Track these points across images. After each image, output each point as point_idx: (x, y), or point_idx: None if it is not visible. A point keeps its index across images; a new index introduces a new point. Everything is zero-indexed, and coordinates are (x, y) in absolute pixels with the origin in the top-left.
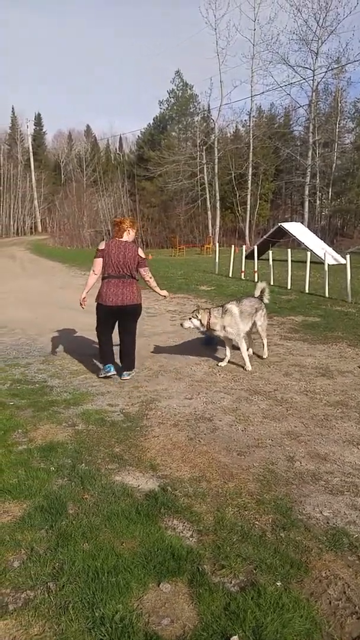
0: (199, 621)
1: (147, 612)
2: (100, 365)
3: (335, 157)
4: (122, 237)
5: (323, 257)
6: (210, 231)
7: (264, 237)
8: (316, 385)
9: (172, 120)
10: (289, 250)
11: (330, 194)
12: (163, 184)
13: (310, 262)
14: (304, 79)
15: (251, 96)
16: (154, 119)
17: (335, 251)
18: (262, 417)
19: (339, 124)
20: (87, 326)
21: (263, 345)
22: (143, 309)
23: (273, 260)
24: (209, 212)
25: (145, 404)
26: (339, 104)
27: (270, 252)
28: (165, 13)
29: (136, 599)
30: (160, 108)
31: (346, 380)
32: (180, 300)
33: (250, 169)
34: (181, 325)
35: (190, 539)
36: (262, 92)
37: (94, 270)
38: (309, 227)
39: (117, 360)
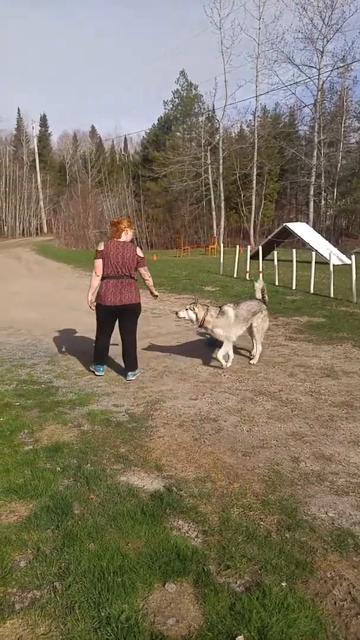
0: (205, 621)
1: (152, 612)
2: (92, 367)
3: (340, 157)
4: (120, 238)
5: (328, 258)
6: (214, 231)
7: (269, 237)
8: (321, 385)
9: (177, 121)
10: (294, 250)
11: (335, 193)
12: (168, 184)
13: (315, 262)
14: (309, 77)
15: (256, 96)
16: (158, 120)
17: (341, 251)
18: (267, 417)
19: (344, 123)
20: (92, 327)
21: (255, 349)
22: (149, 309)
23: (278, 260)
24: (214, 213)
25: (151, 405)
26: (345, 103)
27: (275, 252)
28: (170, 13)
29: (142, 599)
30: (165, 108)
31: (351, 380)
32: (185, 301)
33: (255, 169)
34: (175, 313)
35: (196, 539)
36: (267, 92)
37: (95, 272)
38: (314, 227)
39: (119, 361)
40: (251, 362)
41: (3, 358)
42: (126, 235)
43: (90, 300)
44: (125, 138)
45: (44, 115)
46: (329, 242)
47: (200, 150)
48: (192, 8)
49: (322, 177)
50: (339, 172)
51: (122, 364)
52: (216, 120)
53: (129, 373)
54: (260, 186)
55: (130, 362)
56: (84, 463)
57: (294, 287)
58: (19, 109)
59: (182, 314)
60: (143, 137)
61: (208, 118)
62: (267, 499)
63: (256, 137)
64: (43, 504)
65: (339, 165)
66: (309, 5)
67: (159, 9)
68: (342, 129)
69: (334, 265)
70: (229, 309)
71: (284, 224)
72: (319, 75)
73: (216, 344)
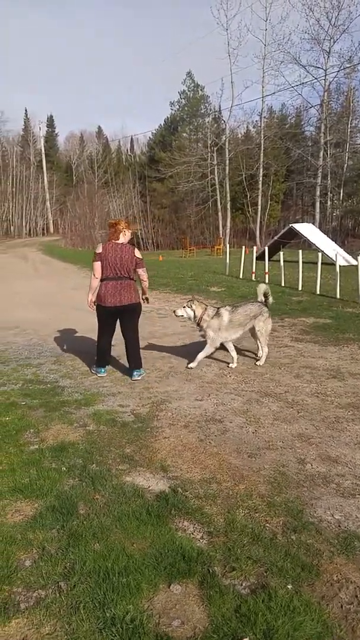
0: (210, 623)
1: (157, 613)
2: (94, 369)
3: (346, 158)
4: (118, 239)
5: (334, 258)
6: (220, 232)
7: (275, 238)
8: (327, 387)
9: (183, 121)
10: (300, 251)
11: (341, 194)
12: (174, 185)
13: (322, 263)
14: (316, 78)
15: (262, 97)
16: (165, 120)
17: (347, 252)
18: (273, 419)
19: (350, 123)
20: (97, 327)
21: (262, 351)
22: (154, 310)
23: (284, 261)
24: (220, 213)
25: (156, 405)
26: (351, 104)
27: (281, 253)
28: (177, 14)
29: (147, 600)
30: (172, 109)
31: (358, 382)
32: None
33: (261, 170)
34: (174, 312)
35: (201, 540)
36: (274, 93)
37: (94, 275)
38: (320, 228)
39: (124, 362)
40: (257, 363)
41: (9, 357)
42: (124, 237)
43: (90, 300)
44: (131, 139)
45: (51, 116)
46: (335, 243)
47: (206, 151)
48: (192, 8)
49: (329, 178)
50: (345, 172)
51: (127, 364)
52: (222, 121)
53: (135, 372)
54: (267, 187)
55: (135, 360)
56: (89, 463)
57: (300, 288)
58: (26, 110)
59: (180, 312)
60: (149, 137)
61: (214, 119)
62: (273, 500)
63: (262, 137)
64: (48, 503)
65: (346, 166)
66: (316, 6)
67: (166, 9)
68: (349, 130)
69: (340, 266)
70: (225, 312)
71: (290, 225)
72: (325, 76)
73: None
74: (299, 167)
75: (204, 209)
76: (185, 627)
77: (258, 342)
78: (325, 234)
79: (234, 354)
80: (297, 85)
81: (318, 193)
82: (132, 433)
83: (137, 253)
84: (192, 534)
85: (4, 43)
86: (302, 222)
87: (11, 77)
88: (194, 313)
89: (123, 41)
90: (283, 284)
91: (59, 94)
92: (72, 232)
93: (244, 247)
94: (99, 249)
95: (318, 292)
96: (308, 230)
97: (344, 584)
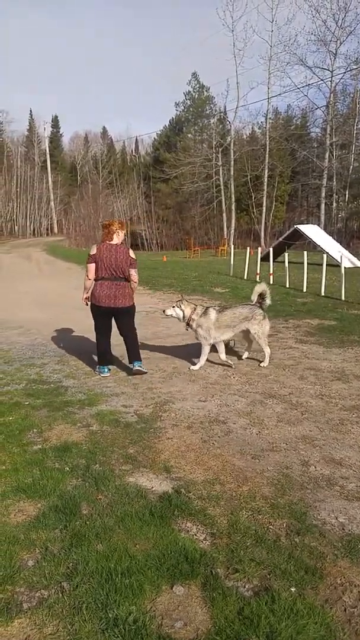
0: (213, 625)
1: (160, 614)
2: (97, 370)
3: (352, 159)
4: (112, 240)
5: (339, 260)
6: (225, 233)
7: (280, 239)
8: (332, 389)
9: (188, 122)
10: (305, 252)
11: (347, 196)
12: (178, 185)
13: (327, 264)
14: (322, 80)
15: (268, 98)
16: (170, 121)
17: (352, 254)
18: (277, 420)
19: (357, 125)
20: None
21: (246, 353)
22: (158, 310)
23: (289, 262)
24: (224, 214)
25: (159, 406)
26: (357, 105)
27: (286, 254)
28: (182, 14)
29: (149, 601)
30: (177, 110)
31: None
32: (195, 303)
33: (266, 171)
34: (163, 312)
35: (204, 541)
36: (279, 94)
37: (87, 276)
38: (325, 229)
39: (127, 362)
40: (261, 364)
41: (13, 357)
42: (118, 238)
43: (84, 297)
44: (136, 139)
45: (56, 117)
46: (340, 244)
47: (211, 152)
48: (204, 9)
49: (334, 180)
50: (351, 174)
51: (129, 365)
52: (228, 122)
53: (135, 363)
54: (272, 188)
55: (134, 354)
56: (92, 463)
57: (304, 290)
58: (30, 111)
59: (169, 311)
60: (154, 138)
61: (219, 120)
62: (277, 502)
63: (268, 139)
64: (51, 503)
65: (351, 167)
66: (322, 7)
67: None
68: (355, 131)
69: (345, 267)
70: (212, 312)
71: (295, 226)
72: (331, 77)
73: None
74: (305, 168)
75: (208, 209)
76: (188, 629)
77: (251, 345)
78: (330, 235)
79: (223, 356)
80: (303, 87)
81: (323, 194)
82: (136, 433)
83: (132, 253)
84: (195, 535)
85: (6, 44)
86: (307, 223)
87: (14, 78)
88: (183, 313)
89: (126, 41)
90: (288, 286)
91: (64, 94)
92: (76, 233)
93: (248, 248)
94: (93, 251)
95: (323, 294)
96: (313, 231)
97: (348, 587)
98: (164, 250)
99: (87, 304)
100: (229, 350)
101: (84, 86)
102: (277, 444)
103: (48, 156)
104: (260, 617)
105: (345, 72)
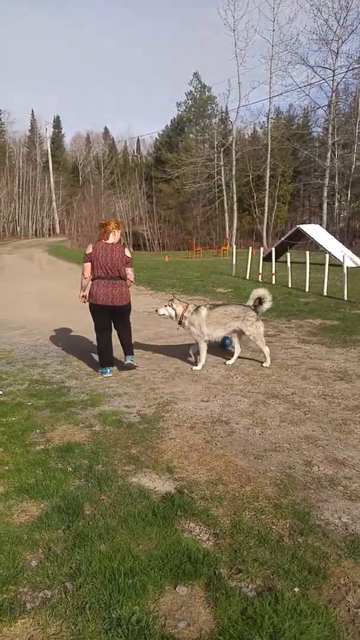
0: (216, 625)
1: (163, 614)
2: (99, 370)
3: (354, 159)
4: (108, 239)
5: (342, 260)
6: (227, 233)
7: (282, 239)
8: (334, 389)
9: (190, 122)
10: (307, 252)
11: (349, 195)
12: (180, 185)
13: (329, 264)
14: (324, 79)
15: (269, 97)
16: (171, 121)
17: (354, 253)
18: (280, 420)
19: (359, 124)
20: None
21: (235, 352)
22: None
23: (291, 262)
24: (226, 214)
25: (162, 406)
26: (359, 104)
27: (288, 254)
28: (182, 14)
29: (152, 601)
30: (178, 110)
31: None
32: (197, 303)
33: (268, 171)
34: (156, 311)
35: (207, 542)
36: (281, 93)
37: (83, 275)
38: (327, 229)
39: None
40: (264, 364)
41: (16, 358)
42: (114, 237)
43: (81, 295)
44: (138, 139)
45: (58, 117)
46: (343, 244)
47: (213, 152)
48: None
49: (336, 179)
50: (353, 173)
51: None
52: (229, 122)
53: (127, 356)
54: (273, 188)
55: (127, 348)
56: (95, 464)
57: (307, 290)
58: (32, 111)
59: (162, 310)
60: (156, 138)
61: (221, 119)
62: (280, 502)
63: (269, 138)
64: (54, 504)
65: (353, 167)
66: (324, 6)
67: (173, 9)
68: (357, 131)
69: (347, 267)
70: (203, 309)
71: (297, 226)
72: (333, 76)
73: (230, 344)
74: (306, 168)
75: (210, 209)
76: (191, 629)
77: (239, 344)
78: (332, 235)
79: (203, 354)
80: (304, 86)
81: (325, 194)
82: (138, 434)
83: (127, 252)
84: (198, 535)
85: (6, 44)
86: (309, 223)
87: (15, 78)
88: (175, 311)
89: (126, 41)
90: (290, 285)
91: (64, 94)
92: (78, 233)
93: (250, 248)
94: (89, 249)
95: (325, 294)
96: (315, 231)
97: (352, 588)
98: (165, 251)
99: (84, 302)
100: (229, 351)
101: (84, 86)
102: (280, 444)
103: (50, 157)
104: (264, 617)
105: (347, 71)
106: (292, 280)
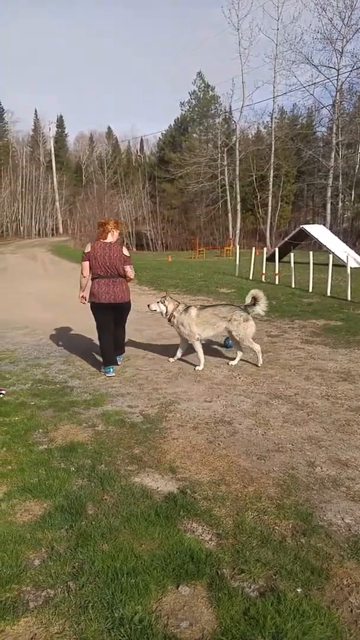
0: (218, 625)
1: (166, 614)
2: (102, 370)
3: (358, 159)
4: (106, 239)
5: (345, 260)
6: (230, 233)
7: (286, 239)
8: (338, 389)
9: (193, 122)
10: (311, 252)
11: (353, 196)
12: (184, 185)
13: (332, 265)
14: (328, 78)
15: (273, 97)
16: (175, 121)
17: (358, 254)
18: (283, 421)
19: None
20: None
21: (237, 355)
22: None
23: (294, 262)
24: (230, 214)
25: (165, 406)
26: None
27: (292, 254)
28: (182, 14)
29: (155, 600)
30: (182, 110)
31: None
32: (199, 302)
33: (272, 171)
34: (148, 306)
35: (210, 542)
36: (285, 93)
37: (82, 274)
38: (331, 229)
39: (130, 363)
40: (258, 364)
41: (19, 357)
42: (112, 236)
43: (81, 296)
44: (141, 139)
45: (61, 117)
46: (346, 244)
47: (216, 152)
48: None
49: (340, 179)
50: (357, 174)
51: (134, 366)
52: (233, 122)
53: (116, 357)
54: (277, 188)
55: (120, 346)
56: (98, 463)
57: (310, 290)
58: (35, 111)
59: (153, 306)
60: (159, 138)
61: (225, 119)
62: (282, 503)
63: (273, 138)
64: (57, 503)
65: (357, 167)
66: (329, 5)
67: (176, 9)
68: None
69: (351, 268)
70: (193, 309)
71: (301, 226)
72: (337, 75)
73: (232, 345)
74: (310, 168)
75: (213, 209)
76: (193, 629)
77: (237, 345)
78: (336, 235)
79: (200, 353)
80: (308, 86)
81: (329, 194)
82: (141, 434)
83: (125, 251)
84: (201, 535)
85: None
86: (312, 223)
87: (16, 78)
88: (166, 309)
89: (126, 41)
90: (293, 286)
91: (65, 94)
92: (81, 233)
93: (254, 248)
94: (88, 249)
95: (329, 294)
96: (319, 231)
97: (354, 589)
98: (169, 251)
99: (83, 303)
100: (233, 352)
101: (85, 86)
102: (282, 445)
103: (53, 156)
104: (266, 618)
105: (351, 71)
106: (295, 280)
